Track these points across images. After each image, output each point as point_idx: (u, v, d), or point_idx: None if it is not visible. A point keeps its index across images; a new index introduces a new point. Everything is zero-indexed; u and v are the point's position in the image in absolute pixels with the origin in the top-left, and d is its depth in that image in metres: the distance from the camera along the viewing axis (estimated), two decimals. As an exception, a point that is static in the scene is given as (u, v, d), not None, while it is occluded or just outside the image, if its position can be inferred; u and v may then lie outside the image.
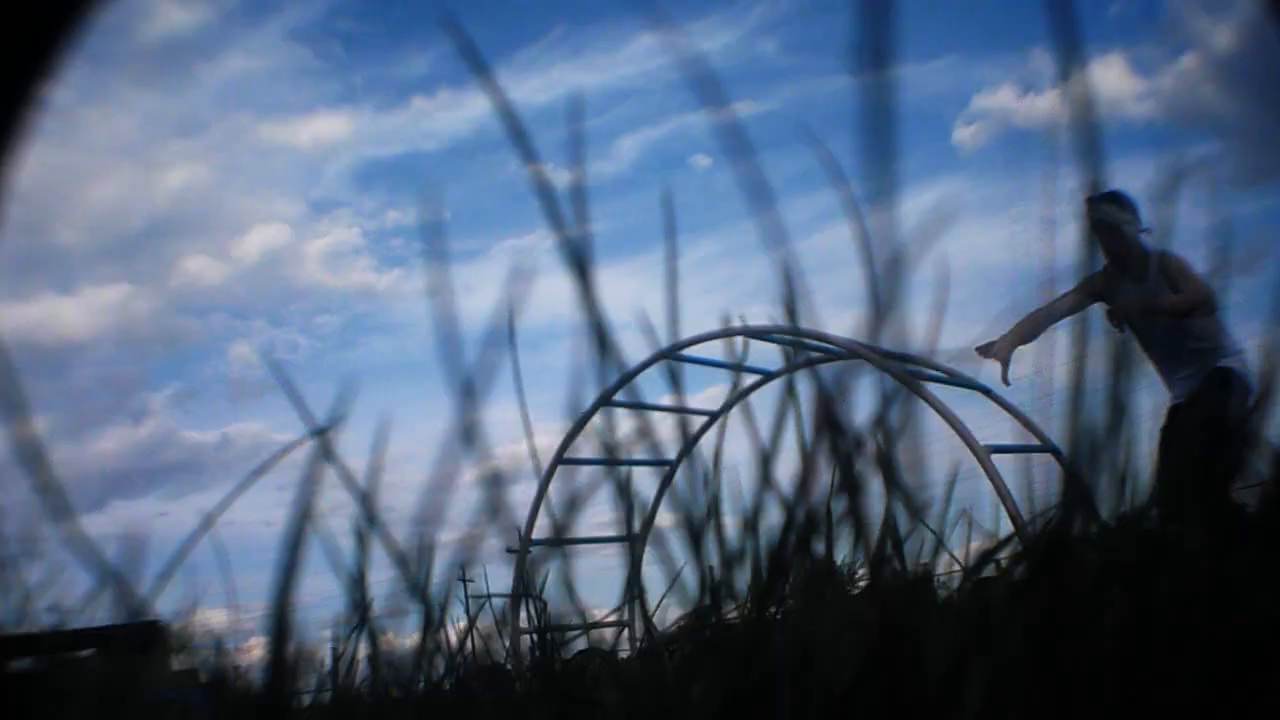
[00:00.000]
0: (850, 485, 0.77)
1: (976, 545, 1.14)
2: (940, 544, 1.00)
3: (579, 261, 0.78)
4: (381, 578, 1.06)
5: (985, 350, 4.67)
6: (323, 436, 0.91)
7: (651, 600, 1.26)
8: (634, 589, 1.26)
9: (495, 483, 0.93)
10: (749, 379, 5.65)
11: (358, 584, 1.02)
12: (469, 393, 0.86)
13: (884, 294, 0.72)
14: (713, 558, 0.92)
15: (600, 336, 0.81)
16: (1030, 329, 4.61)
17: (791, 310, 0.82)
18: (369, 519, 0.95)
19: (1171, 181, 0.77)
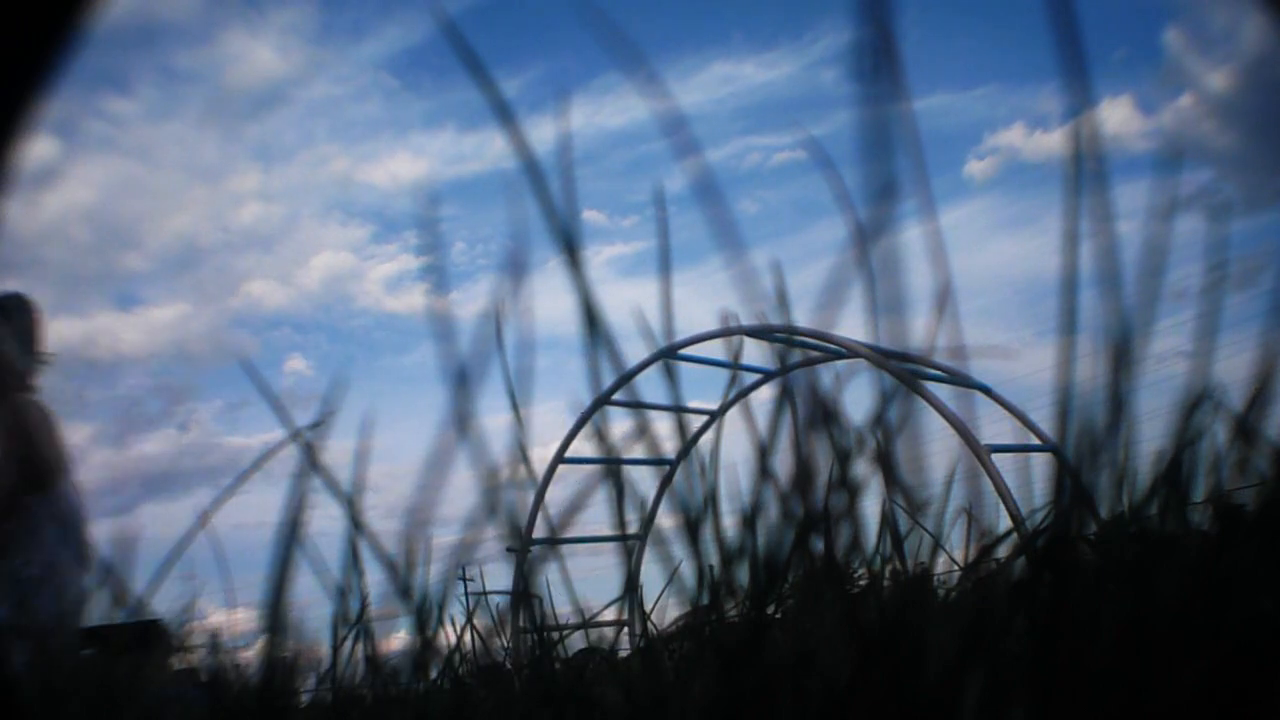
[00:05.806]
0: (846, 484, 0.77)
1: (976, 545, 1.13)
2: (938, 543, 0.99)
3: (569, 245, 0.79)
4: (380, 577, 1.06)
5: None
6: (310, 439, 0.90)
7: (651, 599, 1.26)
8: (633, 587, 1.25)
9: (495, 483, 0.93)
10: (749, 379, 5.64)
11: (353, 585, 1.02)
12: (462, 388, 0.86)
13: (883, 293, 0.72)
14: (712, 556, 0.92)
15: (590, 316, 0.81)
16: None
17: (785, 309, 0.82)
18: (355, 522, 0.95)
19: (1169, 205, 0.77)
